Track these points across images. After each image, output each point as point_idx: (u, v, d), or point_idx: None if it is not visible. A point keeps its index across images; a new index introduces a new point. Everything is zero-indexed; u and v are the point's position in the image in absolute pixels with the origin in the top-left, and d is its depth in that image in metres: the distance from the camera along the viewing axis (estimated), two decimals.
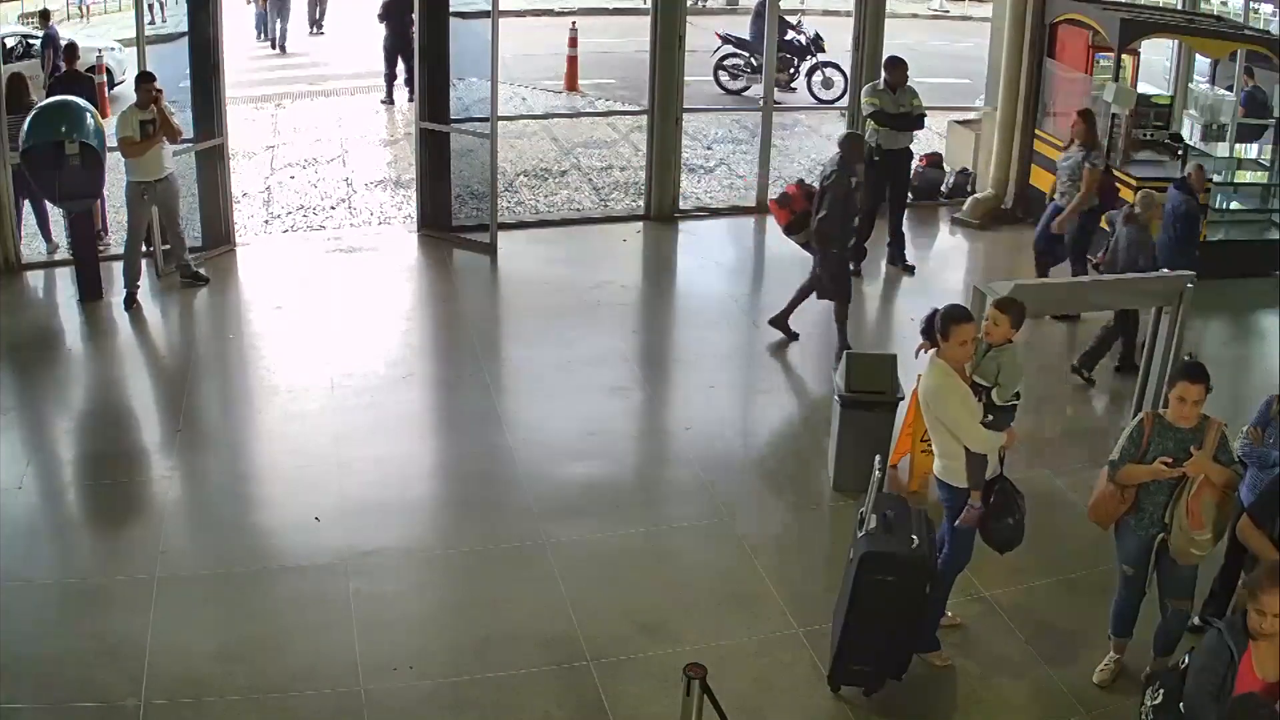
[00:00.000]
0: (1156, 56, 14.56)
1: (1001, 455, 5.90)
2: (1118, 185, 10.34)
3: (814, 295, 9.36)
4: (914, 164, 11.91)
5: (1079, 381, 9.06)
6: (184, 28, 10.90)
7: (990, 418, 5.73)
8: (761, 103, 12.95)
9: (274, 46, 20.28)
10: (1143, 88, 12.43)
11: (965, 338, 5.66)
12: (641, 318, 10.38)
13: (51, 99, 10.22)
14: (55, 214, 10.81)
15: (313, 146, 14.99)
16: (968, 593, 6.46)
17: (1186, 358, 7.11)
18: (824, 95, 17.55)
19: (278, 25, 20.24)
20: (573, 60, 18.21)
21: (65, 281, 10.38)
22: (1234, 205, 11.96)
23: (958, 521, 5.81)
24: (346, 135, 15.56)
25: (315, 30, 21.73)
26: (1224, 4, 16.32)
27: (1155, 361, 7.56)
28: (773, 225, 12.47)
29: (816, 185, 9.22)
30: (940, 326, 5.69)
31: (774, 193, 10.10)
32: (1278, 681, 4.26)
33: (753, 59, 17.39)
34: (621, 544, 7.01)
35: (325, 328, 9.64)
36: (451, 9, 11.45)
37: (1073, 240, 10.07)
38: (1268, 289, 10.74)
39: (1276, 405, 5.98)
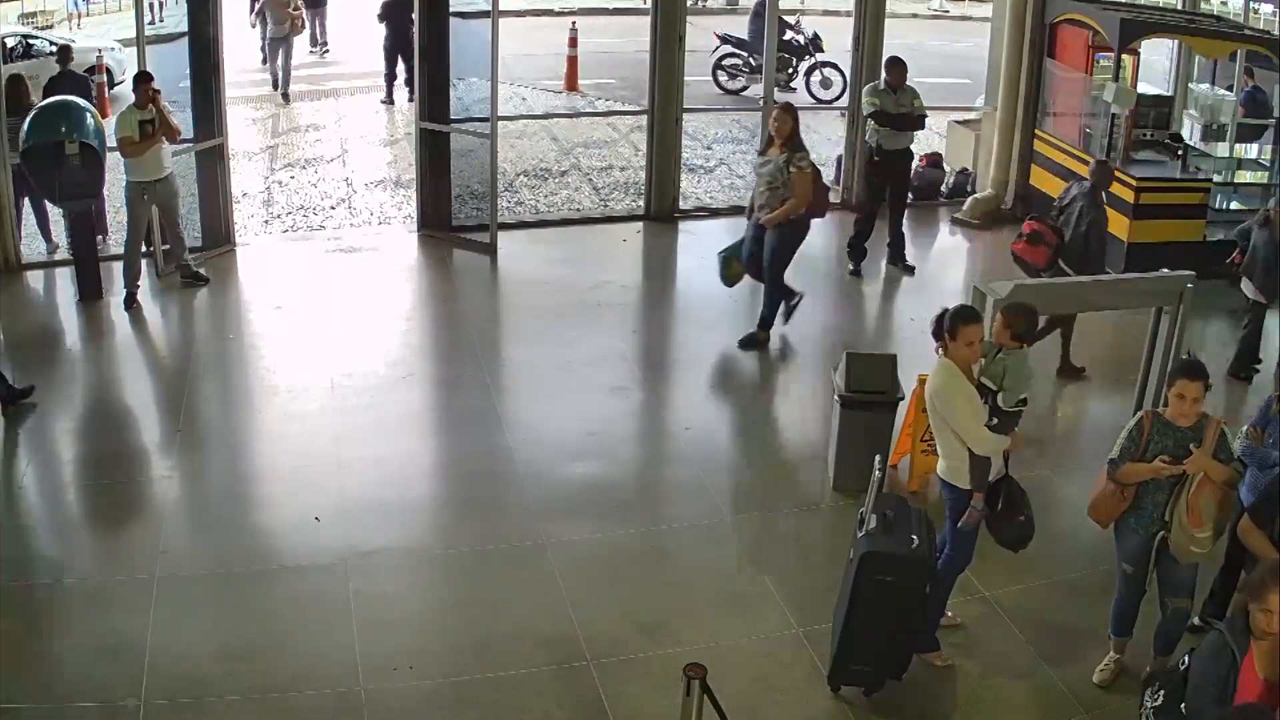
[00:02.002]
0: (1156, 56, 14.55)
1: (1006, 456, 5.90)
2: (827, 188, 9.63)
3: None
4: (914, 164, 11.91)
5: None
6: (184, 27, 10.90)
7: (995, 421, 5.73)
8: (761, 103, 12.96)
9: (275, 88, 17.38)
10: (1143, 88, 12.43)
11: (973, 338, 5.66)
12: (641, 318, 10.38)
13: (51, 99, 10.22)
14: (55, 214, 10.81)
15: (313, 146, 14.99)
16: (968, 593, 6.46)
17: (1185, 356, 7.12)
18: (823, 95, 17.58)
19: (280, 59, 17.25)
20: (573, 60, 18.22)
21: (65, 281, 10.37)
22: (1234, 205, 11.95)
23: (960, 523, 5.82)
24: (346, 135, 15.56)
25: (320, 50, 20.09)
26: (1224, 4, 16.33)
27: (1155, 361, 7.56)
28: None
29: (1053, 216, 9.10)
30: (949, 326, 5.69)
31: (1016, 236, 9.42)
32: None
33: (751, 59, 17.41)
34: (621, 544, 7.01)
35: (325, 328, 9.64)
36: (451, 9, 11.45)
37: (774, 254, 9.31)
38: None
39: (1276, 405, 5.98)
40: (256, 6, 17.72)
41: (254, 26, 18.06)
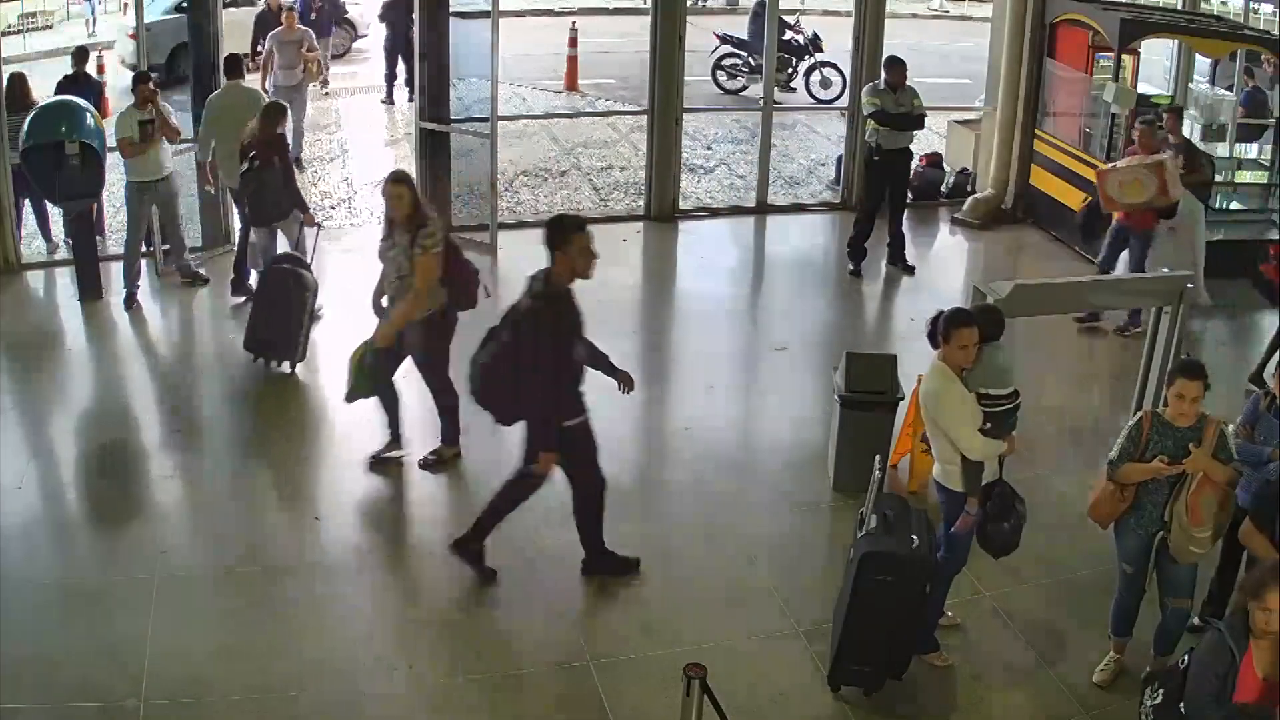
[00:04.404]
0: (1156, 56, 14.55)
1: (1001, 460, 5.89)
2: (472, 266, 7.77)
3: None
4: (914, 164, 11.91)
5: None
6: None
7: (989, 425, 5.71)
8: (761, 103, 12.97)
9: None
10: (1143, 88, 12.43)
11: (966, 342, 5.64)
12: (641, 318, 10.37)
13: (51, 99, 10.22)
14: (55, 214, 10.81)
15: (313, 146, 14.98)
16: (968, 593, 6.46)
17: (1184, 356, 7.12)
18: (822, 95, 17.57)
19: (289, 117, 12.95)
20: (573, 60, 18.23)
21: (65, 281, 10.37)
22: (1234, 205, 11.96)
23: (953, 528, 5.81)
24: (346, 135, 15.56)
25: (322, 88, 17.29)
26: (1224, 4, 16.33)
27: (1155, 361, 7.56)
28: (773, 225, 12.63)
29: None
30: (942, 330, 5.68)
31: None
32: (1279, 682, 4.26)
33: (751, 59, 17.41)
34: (622, 544, 7.00)
35: (325, 327, 9.62)
36: (451, 9, 11.45)
37: (425, 362, 7.52)
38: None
39: (1264, 401, 5.99)
40: (263, 49, 14.02)
41: (268, 90, 13.31)
